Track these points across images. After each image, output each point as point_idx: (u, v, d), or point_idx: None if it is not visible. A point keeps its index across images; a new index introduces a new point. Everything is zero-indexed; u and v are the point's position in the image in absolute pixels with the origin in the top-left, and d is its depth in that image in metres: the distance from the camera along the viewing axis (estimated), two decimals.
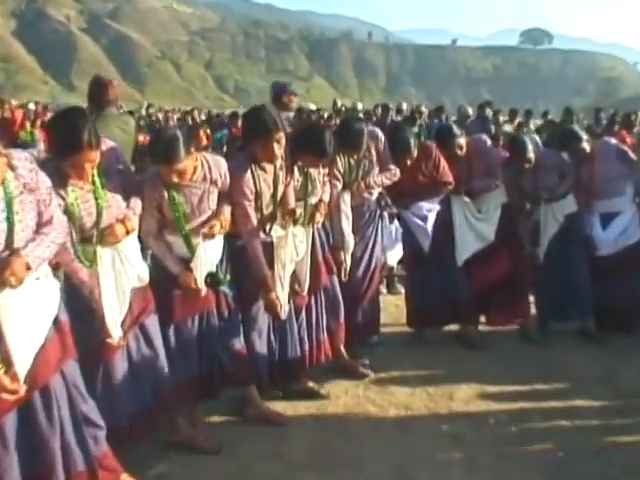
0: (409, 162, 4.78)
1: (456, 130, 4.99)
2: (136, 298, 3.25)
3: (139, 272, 3.24)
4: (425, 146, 4.95)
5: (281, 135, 3.57)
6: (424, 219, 4.97)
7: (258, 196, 3.69)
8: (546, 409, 4.14)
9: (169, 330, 3.54)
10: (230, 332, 3.77)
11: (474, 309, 5.19)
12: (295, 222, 3.87)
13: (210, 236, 3.48)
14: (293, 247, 3.89)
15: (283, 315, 3.89)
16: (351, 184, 4.52)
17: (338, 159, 4.41)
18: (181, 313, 3.55)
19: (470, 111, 12.28)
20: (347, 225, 4.45)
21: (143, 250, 3.40)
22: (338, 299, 4.41)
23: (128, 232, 3.13)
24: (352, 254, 4.53)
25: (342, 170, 4.47)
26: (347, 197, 4.49)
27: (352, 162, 4.50)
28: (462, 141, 4.98)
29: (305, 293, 4.11)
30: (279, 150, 3.60)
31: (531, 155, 4.97)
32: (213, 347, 3.70)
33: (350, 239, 4.47)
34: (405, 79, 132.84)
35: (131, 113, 15.94)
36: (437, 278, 5.06)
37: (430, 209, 4.97)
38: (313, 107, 15.92)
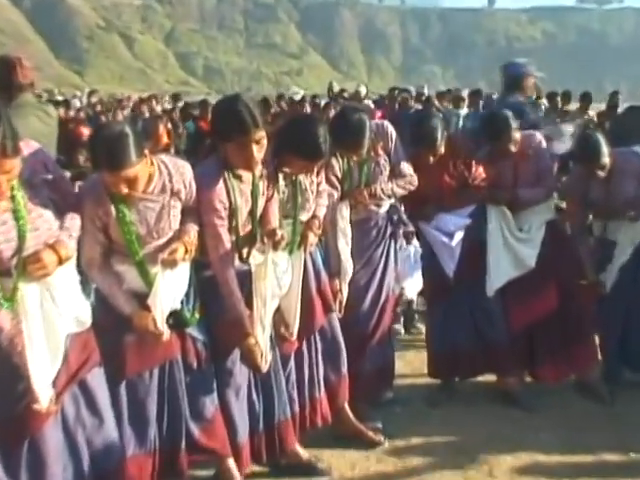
0: (432, 159, 4.81)
1: (513, 120, 4.98)
2: (74, 347, 3.24)
3: (77, 313, 3.23)
4: (454, 139, 4.97)
5: (262, 134, 3.58)
6: (450, 236, 4.99)
7: (233, 212, 3.70)
8: None
9: (120, 388, 3.54)
10: (200, 389, 3.78)
11: (515, 356, 5.19)
12: (276, 246, 3.84)
13: (171, 263, 3.48)
14: (274, 279, 3.89)
15: (264, 367, 3.89)
16: (351, 193, 4.55)
17: (334, 161, 4.45)
18: (136, 365, 3.55)
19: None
20: (345, 245, 4.48)
21: (84, 284, 3.40)
22: (339, 344, 4.42)
23: (61, 261, 3.10)
24: (355, 283, 4.56)
25: (339, 175, 4.51)
26: (345, 210, 4.52)
27: (352, 165, 4.54)
28: (518, 135, 4.99)
29: (295, 337, 4.12)
30: (259, 153, 3.61)
31: (606, 160, 4.93)
32: (178, 409, 3.71)
33: (348, 264, 4.50)
34: (427, 55, 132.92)
35: (66, 103, 15.98)
36: (466, 313, 5.10)
37: (458, 224, 4.98)
38: (299, 93, 15.99)
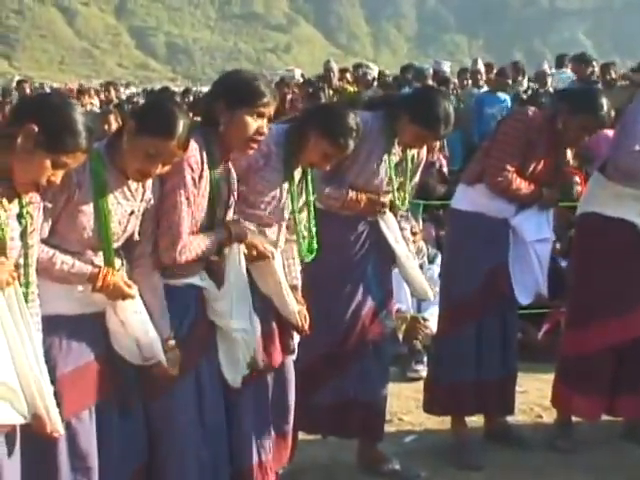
0: None
1: None
2: None
3: None
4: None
5: (271, 115, 3.91)
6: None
7: (212, 201, 3.88)
8: None
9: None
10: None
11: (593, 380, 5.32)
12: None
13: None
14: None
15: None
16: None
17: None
18: (75, 403, 3.54)
19: (548, 70, 12.35)
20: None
21: None
22: (289, 397, 4.57)
23: None
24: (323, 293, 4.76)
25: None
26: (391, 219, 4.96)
27: (395, 159, 4.97)
28: None
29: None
30: (264, 135, 3.89)
31: None
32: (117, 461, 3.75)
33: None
34: (448, 21, 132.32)
35: None
36: (498, 338, 5.36)
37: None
38: (296, 74, 15.68)
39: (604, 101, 5.02)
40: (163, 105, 3.79)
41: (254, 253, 4.08)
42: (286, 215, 4.35)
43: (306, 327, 4.42)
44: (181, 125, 3.53)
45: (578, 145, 5.33)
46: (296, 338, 4.53)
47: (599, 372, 5.27)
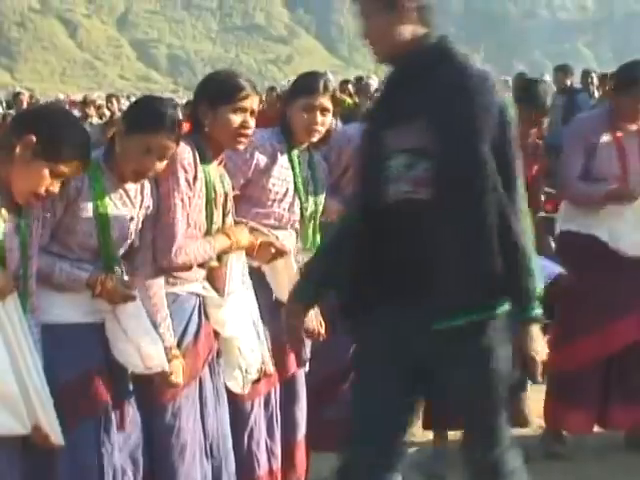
0: None
1: None
2: None
3: None
4: None
5: (255, 106, 4.00)
6: None
7: (208, 203, 3.91)
8: None
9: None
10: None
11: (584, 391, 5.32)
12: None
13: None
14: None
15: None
16: None
17: None
18: (75, 412, 3.54)
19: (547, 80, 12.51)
20: None
21: None
22: (300, 408, 4.60)
23: None
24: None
25: None
26: None
27: None
28: None
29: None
30: (251, 128, 3.95)
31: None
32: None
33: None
34: (448, 32, 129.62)
35: None
36: None
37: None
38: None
39: None
40: (147, 101, 4.02)
41: (273, 251, 4.11)
42: (297, 210, 4.38)
43: (322, 331, 4.42)
44: (167, 116, 3.62)
45: None
46: (308, 351, 4.53)
47: (588, 385, 5.29)
